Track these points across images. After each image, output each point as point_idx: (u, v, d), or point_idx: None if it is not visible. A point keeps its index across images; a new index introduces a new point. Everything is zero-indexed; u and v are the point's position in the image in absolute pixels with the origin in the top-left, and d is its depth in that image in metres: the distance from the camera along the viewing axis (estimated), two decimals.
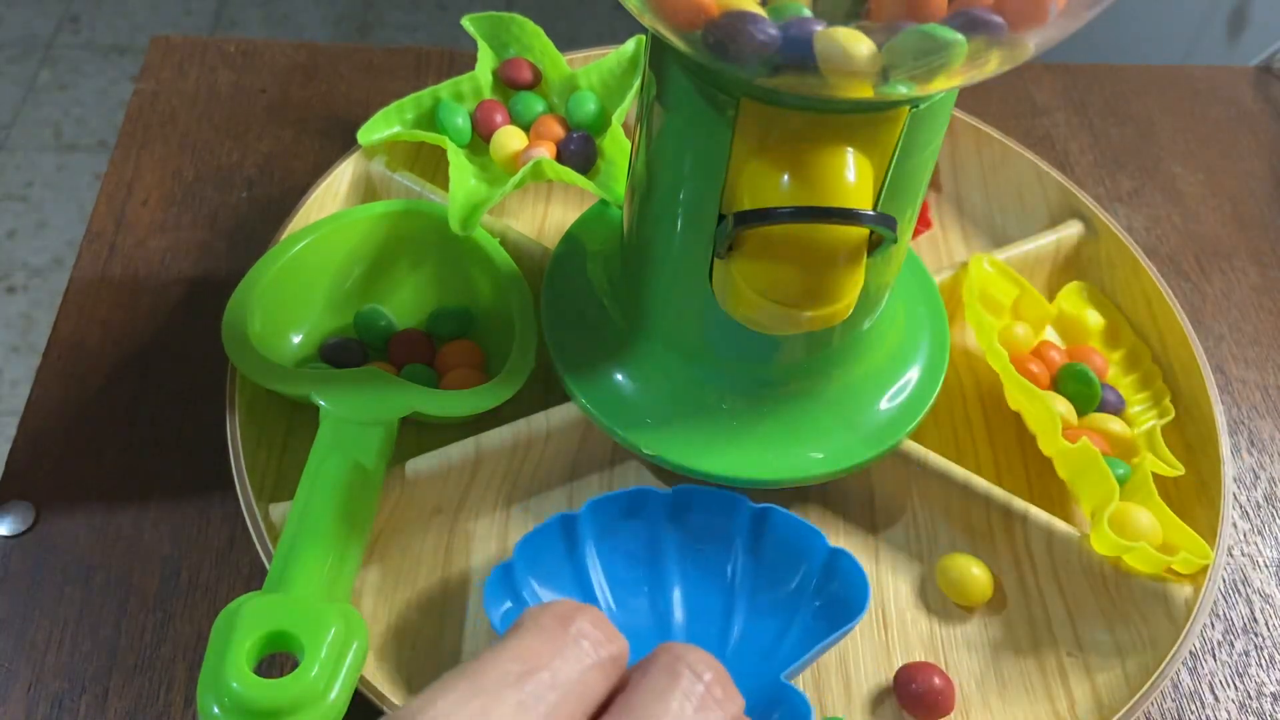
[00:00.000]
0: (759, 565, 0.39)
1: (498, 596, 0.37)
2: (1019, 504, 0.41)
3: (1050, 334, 0.49)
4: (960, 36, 0.27)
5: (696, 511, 0.40)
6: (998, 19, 0.27)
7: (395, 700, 0.35)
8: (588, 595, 0.38)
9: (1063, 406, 0.44)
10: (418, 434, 0.42)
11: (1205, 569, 0.40)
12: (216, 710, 0.30)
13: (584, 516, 0.39)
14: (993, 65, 0.29)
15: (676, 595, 0.39)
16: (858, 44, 0.27)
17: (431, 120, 0.50)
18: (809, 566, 0.38)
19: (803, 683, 0.39)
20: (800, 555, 0.39)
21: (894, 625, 0.40)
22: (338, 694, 0.31)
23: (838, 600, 0.38)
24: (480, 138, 0.51)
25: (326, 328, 0.45)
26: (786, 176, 0.31)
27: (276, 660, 0.37)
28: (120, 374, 0.45)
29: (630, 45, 0.52)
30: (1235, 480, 0.47)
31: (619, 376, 0.41)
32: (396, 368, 0.43)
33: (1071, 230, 0.51)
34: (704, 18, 0.28)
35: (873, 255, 0.33)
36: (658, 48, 0.34)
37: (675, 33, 0.29)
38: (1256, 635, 0.42)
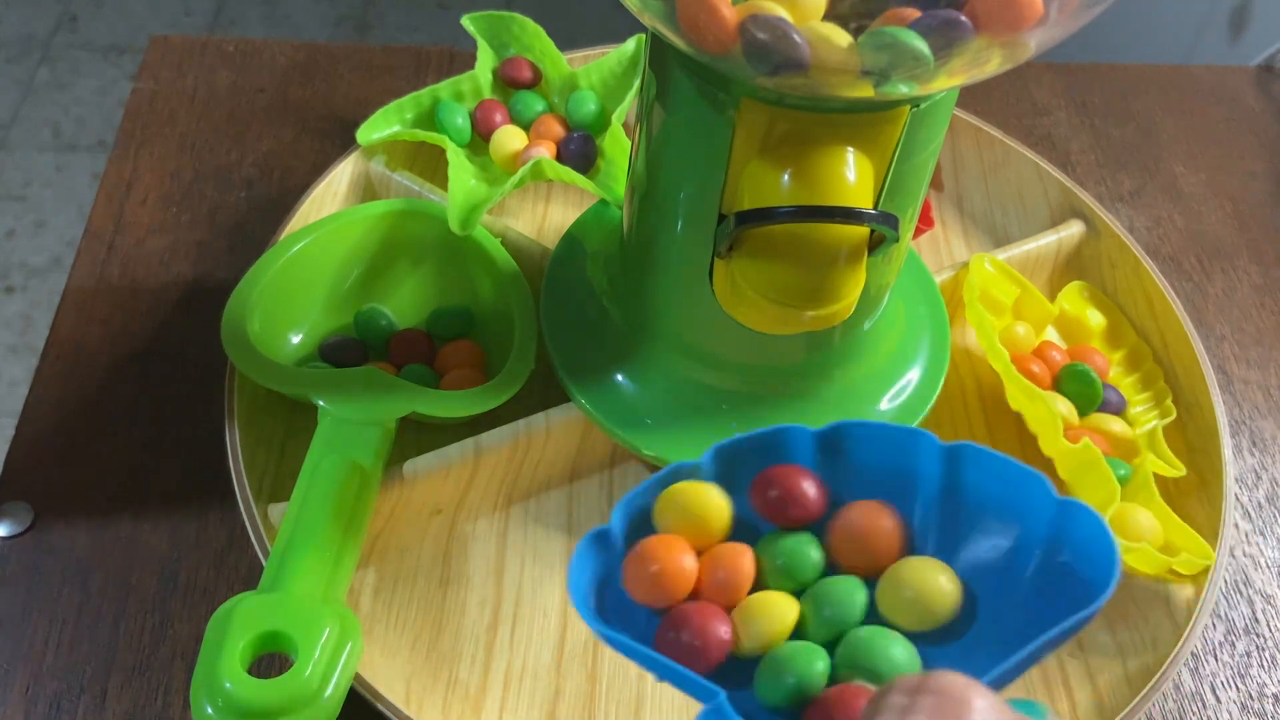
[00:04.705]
0: (949, 524, 0.30)
1: (590, 564, 0.28)
2: None
3: (1051, 334, 0.49)
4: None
5: (858, 454, 0.31)
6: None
7: (393, 700, 0.35)
8: None
9: (1064, 407, 0.43)
10: (417, 434, 0.42)
11: (1207, 570, 0.40)
12: (210, 710, 0.30)
13: (705, 463, 0.30)
14: (993, 65, 0.29)
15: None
16: (840, 36, 0.27)
17: (431, 120, 0.50)
18: (1025, 529, 0.28)
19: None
20: (1014, 512, 0.29)
21: None
22: (332, 694, 0.31)
23: (1068, 575, 0.27)
24: (480, 137, 0.51)
25: (326, 327, 0.45)
26: (787, 176, 0.31)
27: (276, 660, 0.37)
28: (119, 374, 0.45)
29: (630, 45, 0.52)
30: (1237, 480, 0.47)
31: (619, 377, 0.41)
32: (396, 368, 0.43)
33: (1073, 230, 0.51)
34: (729, 31, 0.28)
35: (874, 254, 0.33)
36: (658, 47, 0.34)
37: (694, 47, 0.29)
38: (1258, 636, 0.42)
